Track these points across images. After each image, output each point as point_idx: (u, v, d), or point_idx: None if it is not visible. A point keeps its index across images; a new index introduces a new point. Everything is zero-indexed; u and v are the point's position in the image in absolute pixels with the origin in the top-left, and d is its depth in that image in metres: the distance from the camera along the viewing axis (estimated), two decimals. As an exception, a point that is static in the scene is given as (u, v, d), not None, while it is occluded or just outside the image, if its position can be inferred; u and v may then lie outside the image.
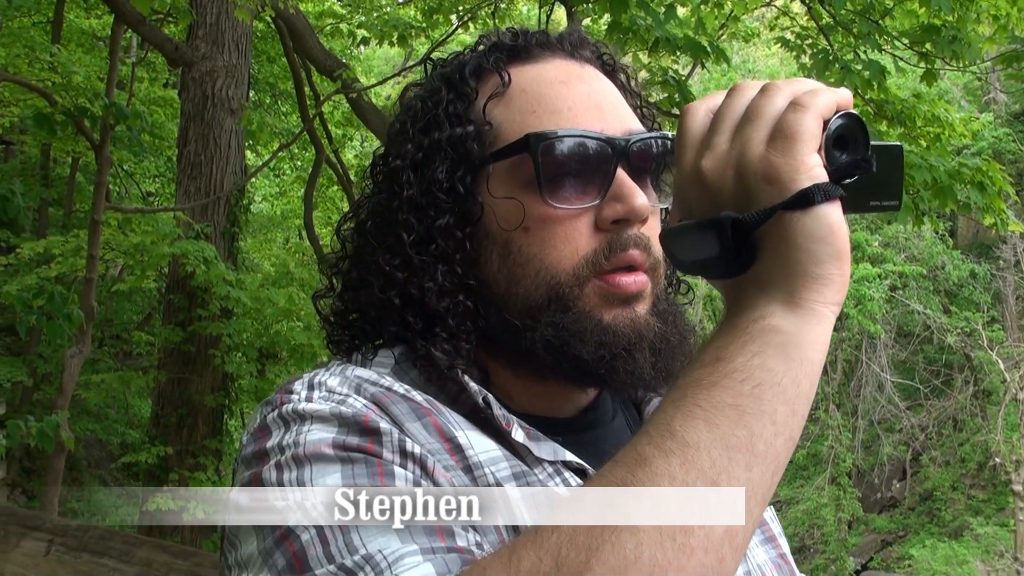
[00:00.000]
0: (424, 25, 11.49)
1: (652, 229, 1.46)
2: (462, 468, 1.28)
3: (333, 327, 1.58)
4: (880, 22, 9.49)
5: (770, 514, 1.67)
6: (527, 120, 1.44)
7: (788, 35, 11.20)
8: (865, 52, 9.58)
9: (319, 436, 1.23)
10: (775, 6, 12.34)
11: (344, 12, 13.89)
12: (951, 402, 29.25)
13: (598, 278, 1.41)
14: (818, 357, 1.10)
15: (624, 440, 1.44)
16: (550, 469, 1.37)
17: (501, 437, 1.36)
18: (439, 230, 1.43)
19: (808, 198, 1.05)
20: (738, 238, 1.08)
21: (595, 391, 1.56)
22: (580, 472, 1.38)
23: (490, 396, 1.38)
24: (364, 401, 1.30)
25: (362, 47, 16.28)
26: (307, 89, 12.26)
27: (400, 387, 1.36)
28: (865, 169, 1.10)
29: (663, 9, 8.92)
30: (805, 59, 10.43)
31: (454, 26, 11.67)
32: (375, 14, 12.36)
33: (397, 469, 1.21)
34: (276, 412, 1.31)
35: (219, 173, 12.64)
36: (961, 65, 10.84)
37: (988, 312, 31.14)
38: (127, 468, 14.18)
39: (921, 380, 28.32)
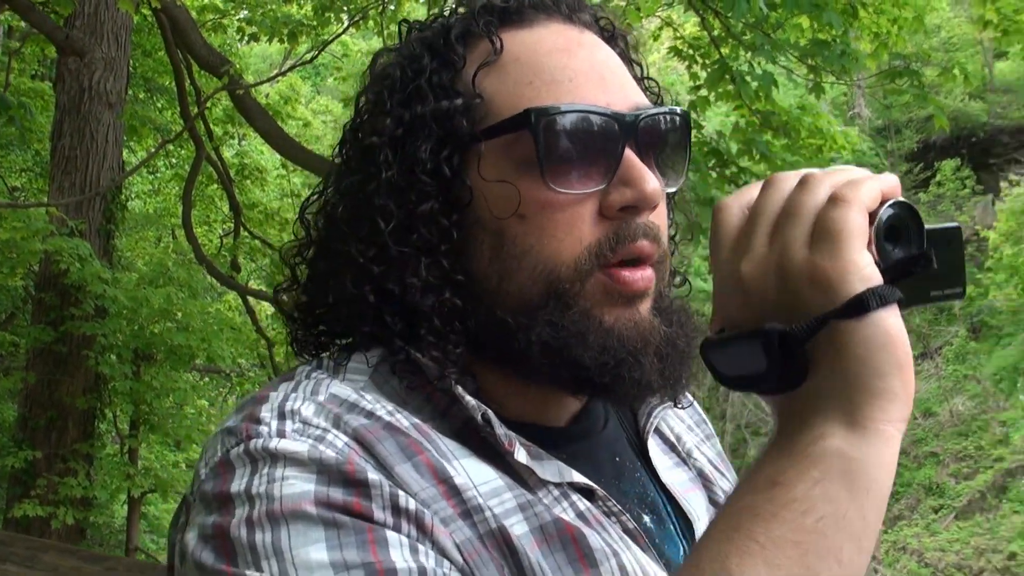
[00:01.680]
0: (315, 23, 11.29)
1: (660, 216, 1.32)
2: (460, 514, 1.14)
3: (297, 325, 1.40)
4: (771, 35, 9.63)
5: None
6: (523, 92, 1.27)
7: (677, 45, 11.33)
8: (759, 63, 9.71)
9: (298, 489, 1.07)
10: (659, 16, 12.47)
11: (227, 8, 13.61)
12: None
13: (602, 272, 1.25)
14: (886, 484, 0.99)
15: (619, 449, 1.45)
16: (556, 492, 1.24)
17: (499, 456, 1.23)
18: (422, 217, 1.26)
19: (863, 304, 0.95)
20: (787, 351, 0.98)
21: (586, 397, 1.41)
22: (587, 492, 1.27)
23: (490, 412, 1.23)
24: (346, 439, 1.14)
25: (246, 43, 15.98)
26: (188, 85, 11.99)
27: (383, 409, 1.20)
28: (924, 266, 1.00)
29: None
30: (697, 69, 10.55)
31: (345, 25, 11.50)
32: (260, 11, 12.22)
33: (390, 535, 1.07)
34: (242, 447, 1.14)
35: (95, 168, 12.26)
36: (849, 79, 11.09)
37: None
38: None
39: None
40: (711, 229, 1.10)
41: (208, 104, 12.29)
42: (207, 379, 19.50)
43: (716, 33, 10.09)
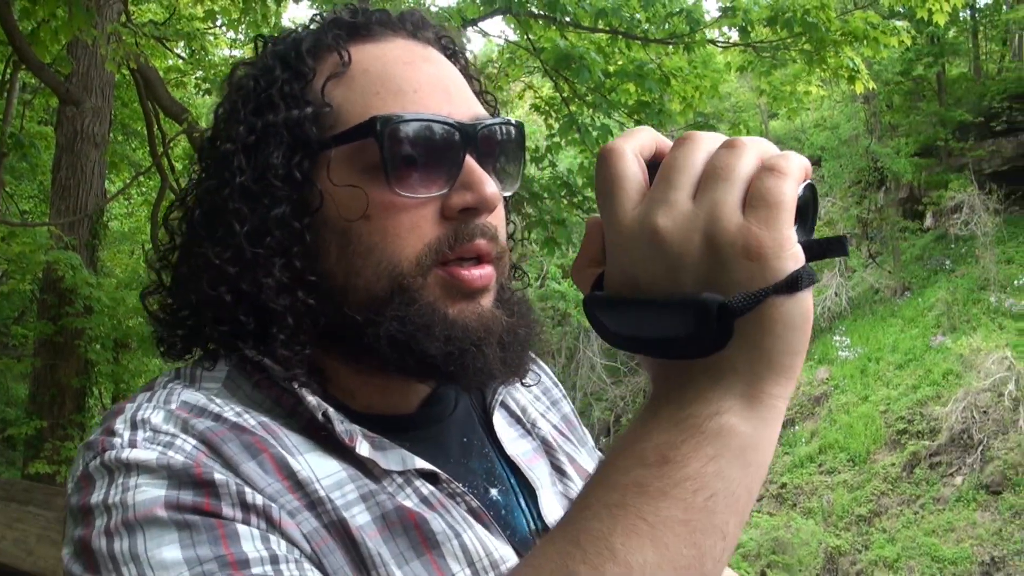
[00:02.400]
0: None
1: (499, 218, 1.16)
2: (306, 505, 0.99)
3: (163, 327, 1.19)
4: (607, 96, 9.89)
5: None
6: (370, 102, 1.11)
7: (536, 103, 11.55)
8: (598, 118, 9.97)
9: (149, 495, 0.92)
10: (523, 81, 12.66)
11: (187, 69, 13.60)
12: (643, 377, 30.55)
13: (441, 268, 1.10)
14: (770, 457, 0.80)
15: (468, 429, 1.26)
16: (400, 480, 1.08)
17: (345, 451, 1.06)
18: (275, 220, 1.09)
19: (797, 283, 0.75)
20: (721, 323, 0.75)
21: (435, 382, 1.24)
22: (431, 477, 1.10)
23: (330, 411, 1.07)
24: (194, 443, 0.99)
25: (201, 96, 15.92)
26: (156, 129, 11.97)
27: (231, 411, 1.05)
28: (839, 252, 0.80)
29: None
30: (552, 121, 10.76)
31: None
32: (212, 71, 12.26)
33: (241, 528, 0.92)
34: (98, 459, 0.98)
35: (84, 196, 12.12)
36: (665, 131, 11.41)
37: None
38: (8, 440, 13.62)
39: (622, 362, 29.19)
40: (601, 174, 0.82)
41: (171, 144, 12.23)
42: (171, 363, 19.48)
43: (566, 94, 10.14)
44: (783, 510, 24.06)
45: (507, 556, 1.09)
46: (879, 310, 30.67)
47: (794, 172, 0.77)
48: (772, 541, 21.94)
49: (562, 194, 9.82)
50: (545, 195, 9.65)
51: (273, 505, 0.95)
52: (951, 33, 31.45)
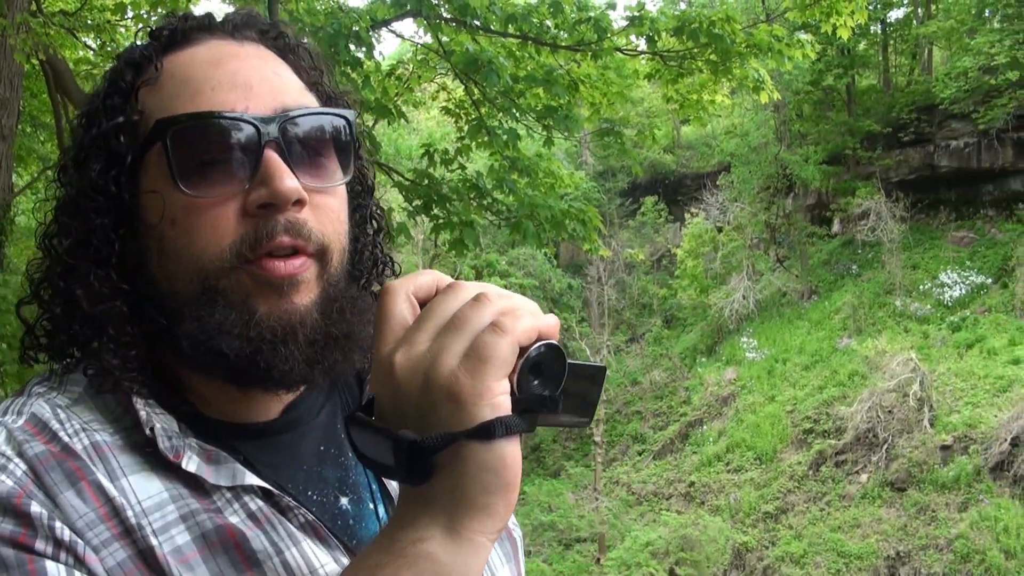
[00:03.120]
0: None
1: (323, 211, 1.11)
2: (119, 534, 0.97)
3: (30, 339, 1.15)
4: (516, 100, 9.95)
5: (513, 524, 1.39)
6: (170, 105, 1.07)
7: (448, 105, 11.53)
8: (505, 121, 10.03)
9: None
10: (436, 82, 12.64)
11: (97, 60, 13.29)
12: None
13: (252, 264, 1.05)
14: None
15: (328, 436, 1.23)
16: (228, 495, 1.05)
17: (173, 467, 1.03)
18: (95, 231, 1.07)
19: (489, 431, 0.81)
20: (413, 457, 0.83)
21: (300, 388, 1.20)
22: (264, 494, 1.07)
23: (157, 426, 1.04)
24: (24, 468, 0.97)
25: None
26: (65, 122, 11.67)
27: (71, 428, 1.03)
28: (550, 407, 0.87)
29: (361, 80, 9.12)
30: (462, 123, 10.77)
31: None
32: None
33: (49, 565, 0.92)
34: None
35: (-11, 192, 11.76)
36: (575, 136, 11.53)
37: (579, 313, 33.28)
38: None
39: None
40: (377, 309, 0.91)
41: (78, 139, 11.96)
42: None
43: (476, 97, 10.13)
44: (691, 508, 24.42)
45: (333, 571, 1.07)
46: (786, 313, 31.37)
47: (516, 331, 0.83)
48: (680, 539, 22.24)
49: (471, 196, 9.83)
50: (454, 197, 9.66)
51: (79, 541, 0.95)
52: (861, 46, 32.24)
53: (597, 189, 36.97)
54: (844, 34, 10.12)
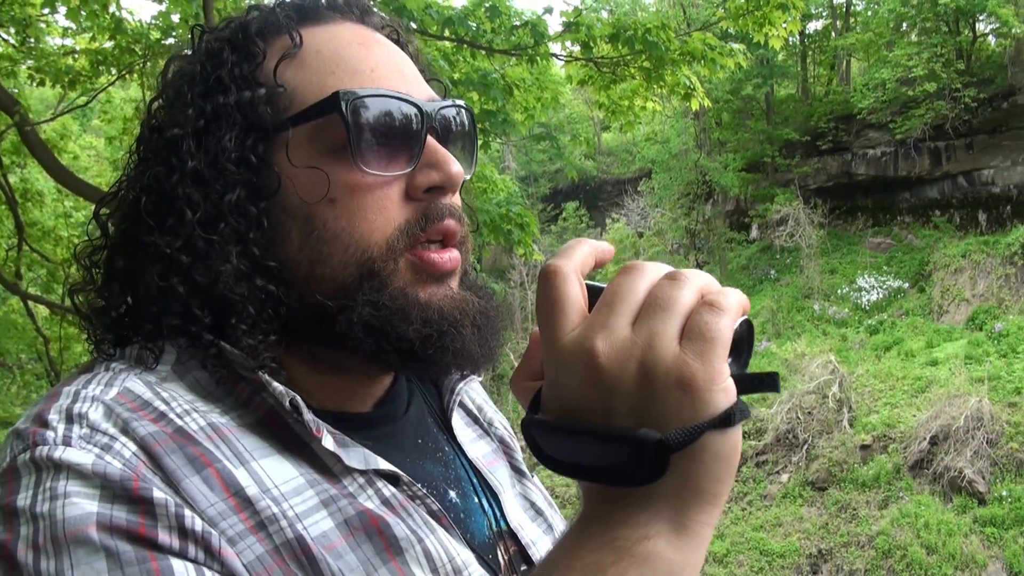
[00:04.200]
0: (91, 75, 10.76)
1: (458, 201, 1.12)
2: (254, 527, 0.91)
3: (96, 327, 1.10)
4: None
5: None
6: (326, 81, 1.06)
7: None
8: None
9: (81, 511, 0.83)
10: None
11: (18, 56, 12.86)
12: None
13: (411, 252, 1.05)
14: None
15: (422, 431, 1.21)
16: (361, 480, 1.02)
17: (302, 448, 1.00)
18: (229, 206, 1.03)
19: (730, 420, 0.75)
20: (659, 458, 0.75)
21: (390, 381, 1.20)
22: (392, 479, 1.05)
23: (298, 398, 1.00)
24: (133, 449, 0.90)
25: (34, 86, 15.11)
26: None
27: (178, 407, 0.97)
28: (771, 387, 0.80)
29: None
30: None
31: (115, 76, 10.98)
32: (44, 61, 11.61)
33: (175, 563, 0.84)
34: (28, 454, 0.88)
35: (-97, 194, 11.30)
36: (505, 140, 11.52)
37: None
38: None
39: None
40: (544, 295, 0.82)
41: (1, 137, 11.55)
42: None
43: None
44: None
45: (468, 561, 1.05)
46: (706, 317, 31.94)
47: (732, 309, 0.77)
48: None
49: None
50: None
51: (213, 533, 0.87)
52: (780, 56, 32.94)
53: (520, 194, 37.18)
54: (776, 44, 10.28)
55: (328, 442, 1.00)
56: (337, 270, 1.03)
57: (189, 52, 1.15)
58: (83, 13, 9.28)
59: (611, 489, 0.79)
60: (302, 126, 1.04)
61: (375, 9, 1.20)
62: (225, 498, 0.91)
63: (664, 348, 0.75)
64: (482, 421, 1.36)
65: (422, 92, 1.11)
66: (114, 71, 10.99)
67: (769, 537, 21.00)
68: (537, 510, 1.29)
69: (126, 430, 0.91)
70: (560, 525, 1.29)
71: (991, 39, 31.39)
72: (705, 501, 0.77)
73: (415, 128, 1.06)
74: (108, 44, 10.12)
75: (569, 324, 0.80)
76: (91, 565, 0.81)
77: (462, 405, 1.34)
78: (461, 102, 1.14)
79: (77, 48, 11.29)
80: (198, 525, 0.87)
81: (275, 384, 0.99)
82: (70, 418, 0.91)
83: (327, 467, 1.00)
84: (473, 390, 1.38)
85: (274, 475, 0.96)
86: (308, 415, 0.99)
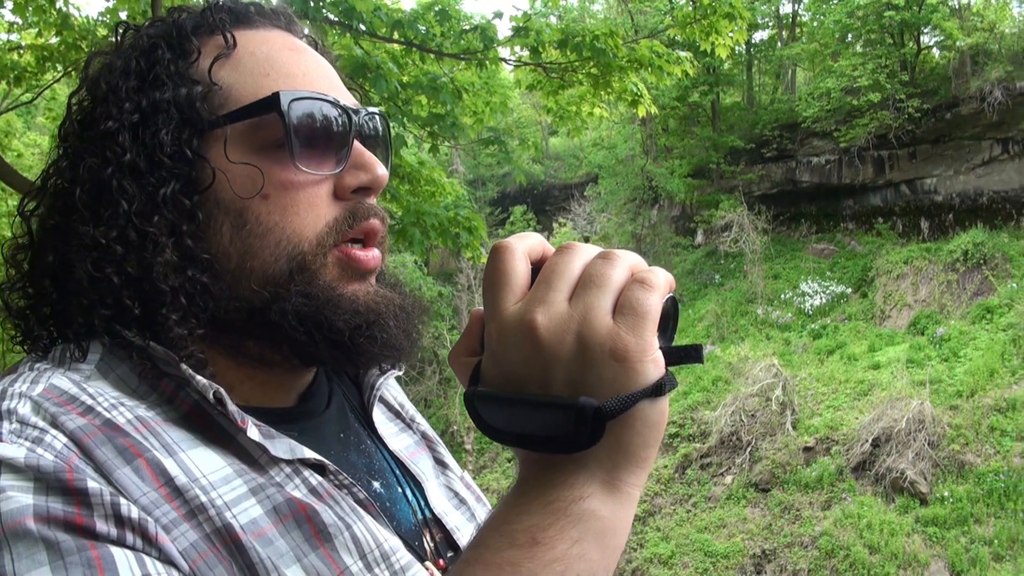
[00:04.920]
0: (36, 71, 10.55)
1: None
2: (185, 515, 0.92)
3: (23, 323, 1.11)
4: (402, 107, 9.87)
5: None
6: (261, 82, 1.09)
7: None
8: (393, 127, 9.92)
9: (17, 504, 0.83)
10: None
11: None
12: (423, 386, 30.65)
13: (338, 249, 1.09)
14: (624, 542, 0.86)
15: (344, 425, 1.24)
16: (288, 470, 1.04)
17: (228, 440, 1.01)
18: (164, 198, 1.04)
19: (661, 389, 0.81)
20: (596, 424, 0.80)
21: (311, 376, 1.23)
22: (319, 468, 1.07)
23: (222, 391, 1.01)
24: (64, 441, 0.90)
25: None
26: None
27: (104, 401, 0.97)
28: (697, 359, 0.86)
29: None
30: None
31: (61, 73, 10.79)
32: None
33: (115, 551, 0.84)
34: None
35: None
36: (455, 143, 11.51)
37: (450, 321, 33.28)
38: None
39: (405, 371, 29.39)
40: (492, 268, 0.87)
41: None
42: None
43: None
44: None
45: (396, 547, 1.07)
46: (652, 321, 32.19)
47: (660, 286, 0.83)
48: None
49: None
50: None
51: (149, 519, 0.88)
52: (727, 65, 33.31)
53: (468, 198, 37.15)
54: (723, 53, 10.40)
55: (253, 433, 1.01)
56: (268, 263, 1.07)
57: (112, 48, 1.16)
58: (29, 8, 9.09)
59: (548, 455, 0.84)
60: (238, 124, 1.07)
61: (296, 18, 1.24)
62: (156, 487, 0.91)
63: (599, 321, 0.81)
64: (404, 417, 1.40)
65: (348, 98, 1.15)
66: (60, 68, 10.81)
67: (713, 538, 21.20)
68: (461, 499, 1.32)
69: (55, 423, 0.91)
70: (484, 514, 1.33)
71: (935, 51, 32.00)
72: (635, 464, 0.83)
73: (344, 131, 1.11)
74: (54, 40, 9.92)
75: (512, 298, 0.85)
76: (32, 557, 0.80)
77: (383, 401, 1.38)
78: (380, 110, 1.19)
79: (23, 44, 11.02)
80: (134, 513, 0.87)
81: (198, 378, 1.00)
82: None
83: (253, 458, 1.02)
84: (392, 387, 1.43)
85: (202, 465, 0.97)
86: (232, 407, 1.01)
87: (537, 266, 0.88)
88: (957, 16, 29.81)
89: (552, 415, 0.81)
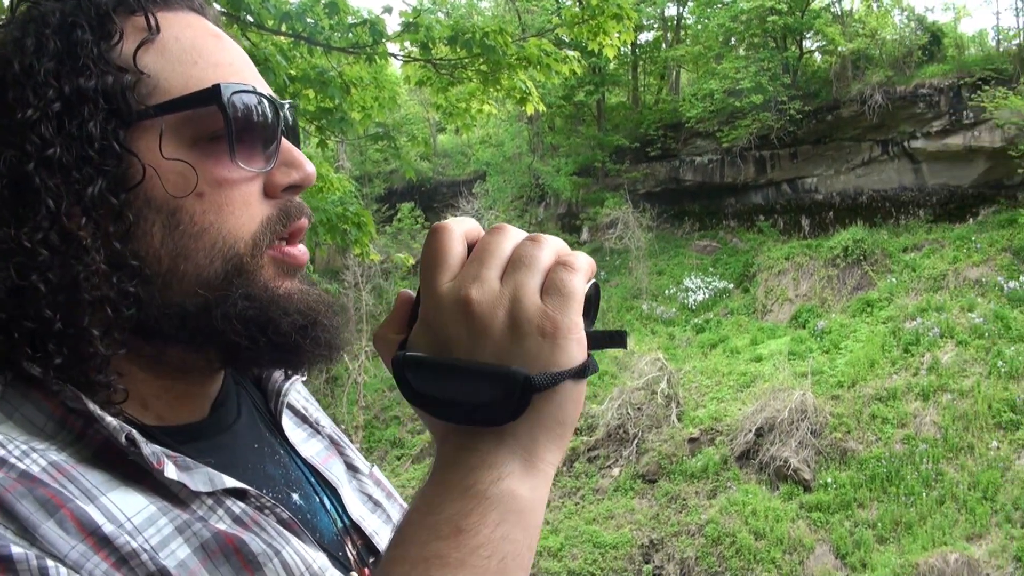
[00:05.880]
0: None
1: None
2: (115, 564, 0.85)
3: None
4: (292, 100, 9.73)
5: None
6: (190, 71, 1.00)
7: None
8: (282, 123, 9.77)
9: None
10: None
11: None
12: (310, 385, 30.11)
13: (272, 248, 1.04)
14: (542, 519, 0.86)
15: (257, 434, 1.19)
16: (209, 502, 0.98)
17: (145, 474, 0.94)
18: (92, 197, 0.94)
19: (585, 370, 0.84)
20: (523, 396, 0.82)
21: (220, 382, 1.15)
22: (240, 494, 1.01)
23: (134, 432, 0.93)
24: None
25: None
26: None
27: (16, 450, 0.87)
28: (619, 344, 0.90)
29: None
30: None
31: None
32: None
33: None
34: None
35: None
36: (344, 138, 11.40)
37: (338, 319, 33.12)
38: None
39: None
40: (430, 246, 0.90)
41: None
42: None
43: None
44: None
45: (324, 566, 1.02)
46: (535, 317, 32.54)
47: (584, 269, 0.87)
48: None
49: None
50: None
51: None
52: (612, 65, 33.79)
53: (354, 193, 36.80)
54: (610, 53, 10.52)
55: (171, 471, 0.94)
56: (202, 265, 0.99)
57: (5, 21, 1.04)
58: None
59: (466, 433, 0.85)
60: (170, 115, 0.98)
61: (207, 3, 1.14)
62: (83, 539, 0.84)
63: (528, 299, 0.84)
64: (310, 420, 1.35)
65: (267, 89, 1.07)
66: None
67: (602, 529, 21.53)
68: (375, 502, 1.29)
69: None
70: (399, 515, 1.29)
71: (817, 56, 33.06)
72: (552, 441, 0.85)
73: (273, 126, 1.04)
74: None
75: (449, 275, 0.88)
76: None
77: (290, 407, 1.31)
78: (293, 102, 1.14)
79: None
80: (63, 573, 0.80)
81: (107, 419, 0.92)
82: None
83: (172, 493, 0.95)
84: (296, 391, 1.35)
85: (125, 508, 0.90)
86: (147, 449, 0.93)
87: (471, 248, 0.91)
88: (839, 22, 30.87)
89: (481, 383, 0.83)
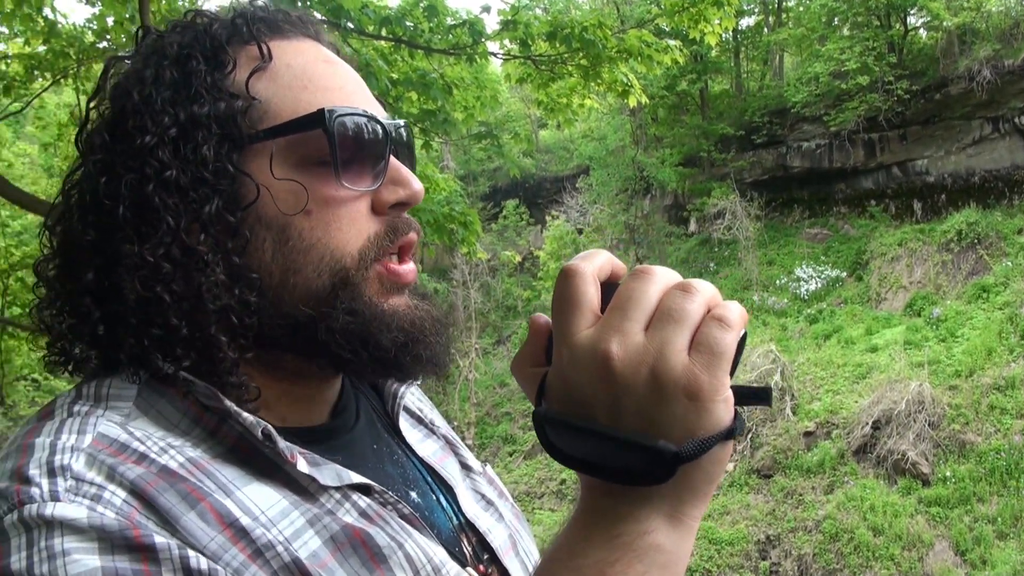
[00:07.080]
0: (25, 80, 10.50)
1: None
2: (251, 555, 0.91)
3: (65, 344, 1.09)
4: (394, 104, 9.86)
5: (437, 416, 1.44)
6: (300, 96, 1.08)
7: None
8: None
9: (84, 567, 0.81)
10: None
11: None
12: (423, 384, 30.64)
13: (379, 263, 1.09)
14: (684, 570, 0.86)
15: (375, 436, 1.24)
16: (337, 496, 1.03)
17: (276, 469, 1.01)
18: (209, 215, 1.03)
19: (734, 432, 0.81)
20: (672, 467, 0.80)
21: (337, 388, 1.22)
22: (364, 490, 1.06)
23: (270, 427, 1.00)
24: (124, 495, 0.88)
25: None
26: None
27: (155, 446, 0.95)
28: (764, 402, 0.86)
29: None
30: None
31: (50, 82, 10.71)
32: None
33: None
34: (15, 515, 0.85)
35: None
36: (448, 139, 11.52)
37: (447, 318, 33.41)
38: None
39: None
40: (561, 292, 0.85)
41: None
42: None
43: None
44: (564, 505, 24.60)
45: (444, 559, 1.07)
46: (649, 311, 32.28)
47: (737, 325, 0.82)
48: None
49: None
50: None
51: (219, 568, 0.87)
52: (714, 52, 33.30)
53: (460, 193, 37.15)
54: (712, 40, 10.40)
55: (303, 465, 1.01)
56: (311, 279, 1.06)
57: (131, 54, 1.14)
58: (16, 17, 9.04)
59: (614, 485, 0.83)
60: (281, 138, 1.06)
61: (323, 29, 1.22)
62: (222, 530, 0.91)
63: (675, 358, 0.79)
64: (425, 421, 1.40)
65: (379, 110, 1.15)
66: (48, 76, 10.77)
67: (717, 526, 21.22)
68: (488, 501, 1.33)
69: (112, 476, 0.90)
70: (509, 513, 1.34)
71: (922, 32, 31.95)
72: (698, 498, 0.84)
73: (381, 147, 1.11)
74: (42, 48, 9.86)
75: (584, 322, 0.83)
76: None
77: (405, 408, 1.37)
78: (405, 121, 1.20)
79: (10, 53, 10.94)
80: (203, 564, 0.86)
81: (244, 415, 1.00)
82: (52, 471, 0.89)
83: (303, 487, 1.02)
84: (412, 392, 1.42)
85: (259, 502, 0.97)
86: (282, 443, 1.00)
87: (605, 284, 0.87)
88: (943, -4, 29.77)
89: (628, 452, 0.80)
